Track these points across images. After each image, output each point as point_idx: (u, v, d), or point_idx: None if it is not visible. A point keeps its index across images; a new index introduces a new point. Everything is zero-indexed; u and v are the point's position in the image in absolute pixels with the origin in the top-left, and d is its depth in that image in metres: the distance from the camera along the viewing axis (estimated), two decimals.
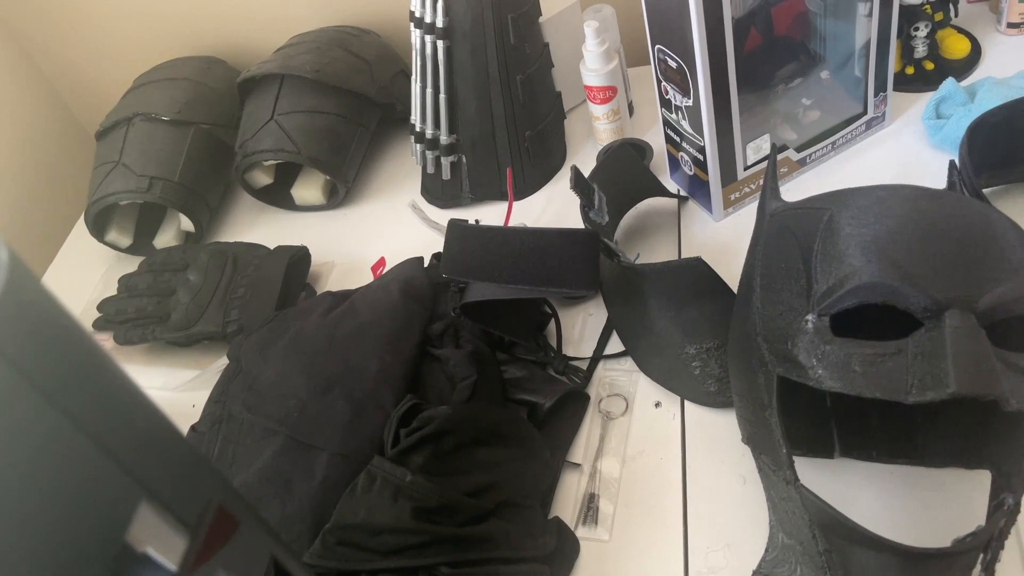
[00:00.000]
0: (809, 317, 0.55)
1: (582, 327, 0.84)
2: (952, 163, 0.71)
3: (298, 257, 0.97)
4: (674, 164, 0.92)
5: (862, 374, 0.52)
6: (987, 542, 0.53)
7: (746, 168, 0.86)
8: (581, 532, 0.69)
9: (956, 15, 0.94)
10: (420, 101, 0.97)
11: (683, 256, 0.87)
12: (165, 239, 1.09)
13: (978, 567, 0.54)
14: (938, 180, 0.73)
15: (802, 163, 0.90)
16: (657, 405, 0.76)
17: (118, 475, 0.22)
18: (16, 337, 0.20)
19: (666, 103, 0.85)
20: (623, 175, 0.88)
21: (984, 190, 0.78)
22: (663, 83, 0.83)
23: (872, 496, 0.65)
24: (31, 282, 0.22)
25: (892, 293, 0.52)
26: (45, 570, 0.21)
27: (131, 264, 1.03)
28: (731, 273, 0.72)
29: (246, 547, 0.34)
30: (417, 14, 0.93)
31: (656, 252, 0.89)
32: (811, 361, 0.54)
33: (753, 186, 0.88)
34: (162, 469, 0.24)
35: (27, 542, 0.21)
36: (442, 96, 0.95)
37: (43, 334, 0.21)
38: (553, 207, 0.99)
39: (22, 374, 0.20)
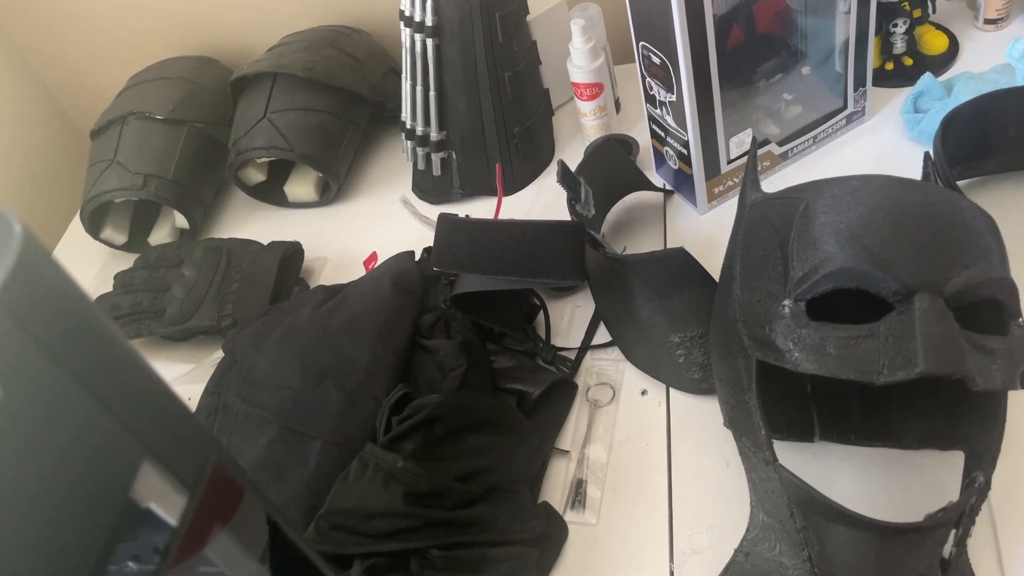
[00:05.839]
0: (786, 302, 0.57)
1: (570, 318, 0.86)
2: (927, 155, 0.73)
3: (291, 252, 0.98)
4: (659, 159, 0.94)
5: (836, 356, 0.54)
6: (958, 518, 0.55)
7: (729, 162, 0.88)
8: (569, 516, 0.71)
9: (934, 11, 0.96)
10: (410, 98, 0.99)
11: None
12: (160, 236, 1.10)
13: (950, 542, 0.56)
14: (916, 172, 0.75)
15: (784, 157, 0.92)
16: (643, 393, 0.78)
17: (121, 434, 0.24)
18: (28, 303, 0.22)
19: (650, 99, 0.87)
20: (609, 169, 0.90)
21: (959, 182, 0.80)
22: (647, 79, 0.85)
23: (850, 477, 0.67)
24: (42, 252, 0.24)
25: (864, 278, 0.54)
26: (53, 522, 0.22)
27: (126, 261, 1.04)
28: (715, 264, 0.74)
29: (249, 516, 0.35)
30: (407, 13, 0.94)
31: (642, 245, 0.91)
32: (788, 345, 0.56)
33: (736, 180, 0.90)
34: (162, 430, 0.26)
35: (35, 496, 0.22)
36: (432, 93, 0.97)
37: (52, 300, 0.23)
38: (542, 202, 1.00)
39: (33, 337, 0.22)
